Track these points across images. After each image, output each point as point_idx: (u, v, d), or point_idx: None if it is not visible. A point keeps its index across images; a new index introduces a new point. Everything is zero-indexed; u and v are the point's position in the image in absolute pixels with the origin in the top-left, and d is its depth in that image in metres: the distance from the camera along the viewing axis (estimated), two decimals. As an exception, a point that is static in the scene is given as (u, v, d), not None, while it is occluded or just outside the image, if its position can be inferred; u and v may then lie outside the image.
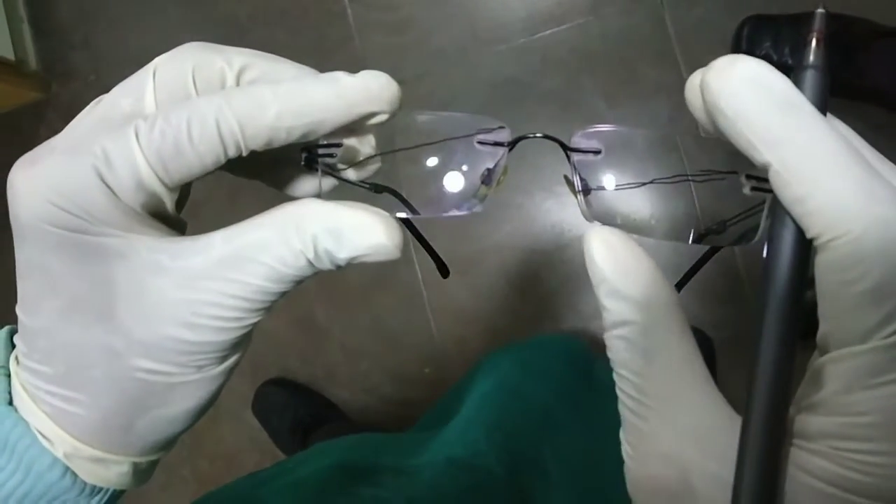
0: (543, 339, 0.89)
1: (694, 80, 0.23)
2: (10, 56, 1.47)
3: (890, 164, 0.23)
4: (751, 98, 0.21)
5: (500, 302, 1.36)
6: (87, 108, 0.26)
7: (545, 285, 1.33)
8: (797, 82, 0.22)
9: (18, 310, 0.27)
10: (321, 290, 1.40)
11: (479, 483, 0.58)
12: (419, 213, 0.28)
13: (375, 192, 0.29)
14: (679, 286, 0.26)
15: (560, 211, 1.32)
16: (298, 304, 1.41)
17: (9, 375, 0.28)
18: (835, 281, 0.21)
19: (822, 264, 0.21)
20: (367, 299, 1.40)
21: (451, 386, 0.93)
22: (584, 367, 0.78)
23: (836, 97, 0.99)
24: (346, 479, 0.57)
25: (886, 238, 0.20)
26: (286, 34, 1.44)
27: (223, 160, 0.25)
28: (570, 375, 0.76)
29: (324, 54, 1.42)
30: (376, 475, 0.58)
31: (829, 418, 0.22)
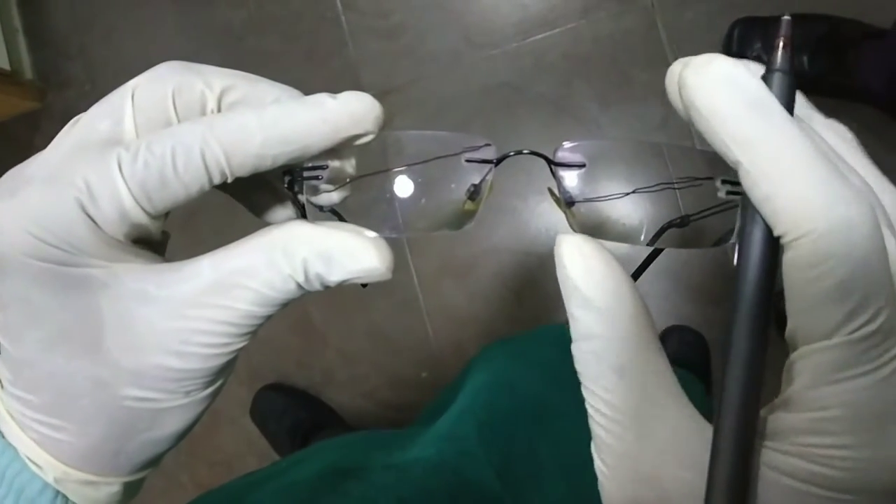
0: (537, 330, 0.88)
1: (674, 70, 0.23)
2: (6, 66, 1.47)
3: (854, 164, 0.24)
4: (724, 97, 0.22)
5: (496, 304, 1.36)
6: (65, 129, 0.26)
7: (541, 287, 1.33)
8: (766, 85, 0.23)
9: (1, 336, 0.27)
10: (317, 294, 1.40)
11: (468, 485, 0.58)
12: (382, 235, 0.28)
13: (320, 210, 0.29)
14: (634, 277, 0.26)
15: (554, 214, 1.33)
16: (295, 308, 1.41)
17: None
18: (800, 278, 0.21)
19: (789, 262, 0.21)
20: (363, 303, 1.40)
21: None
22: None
23: (826, 97, 1.00)
24: (337, 480, 0.57)
25: (849, 237, 0.20)
26: (280, 41, 1.44)
27: (208, 188, 0.25)
28: (565, 362, 0.76)
29: (318, 61, 1.42)
30: (366, 472, 0.58)
31: (797, 414, 0.22)
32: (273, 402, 1.40)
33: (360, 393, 1.42)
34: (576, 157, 0.27)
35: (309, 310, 1.42)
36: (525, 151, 0.28)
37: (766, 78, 0.23)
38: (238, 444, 1.45)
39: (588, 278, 0.24)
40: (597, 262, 0.24)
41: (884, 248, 0.21)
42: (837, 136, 0.25)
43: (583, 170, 0.27)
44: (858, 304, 0.20)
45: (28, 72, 1.53)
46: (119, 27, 1.52)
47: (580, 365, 0.24)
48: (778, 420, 0.23)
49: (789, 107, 0.23)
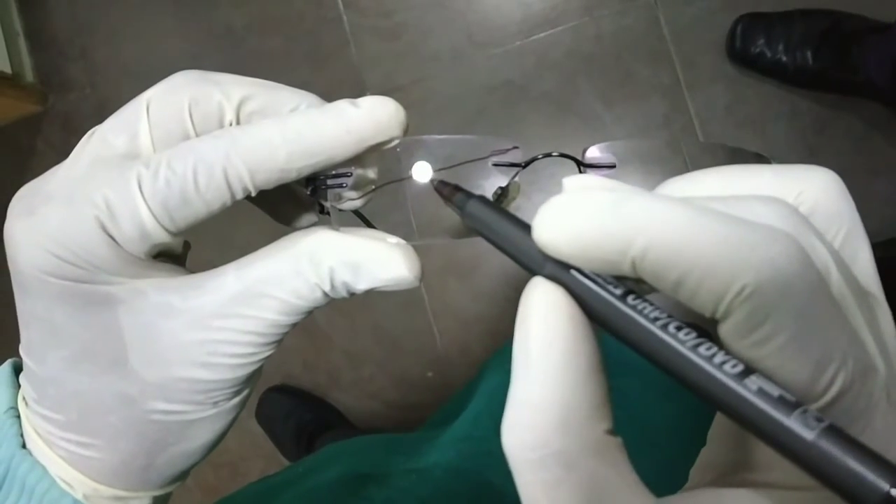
0: None
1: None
2: (7, 69, 1.47)
3: (744, 187, 0.21)
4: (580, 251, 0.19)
5: (500, 304, 1.36)
6: (81, 142, 0.25)
7: (545, 286, 1.33)
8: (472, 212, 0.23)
9: (23, 354, 0.26)
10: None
11: (489, 487, 0.58)
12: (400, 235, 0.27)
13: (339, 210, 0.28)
14: None
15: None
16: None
17: (18, 416, 0.27)
18: (747, 345, 0.18)
19: (728, 334, 0.18)
20: (368, 304, 1.40)
21: (454, 388, 0.93)
22: None
23: (830, 93, 1.00)
24: (357, 485, 0.57)
25: (783, 279, 0.17)
26: (282, 42, 1.44)
27: (230, 204, 0.25)
28: None
29: (320, 61, 1.42)
30: (387, 477, 0.58)
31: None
32: (278, 403, 1.40)
33: (365, 394, 1.42)
34: (606, 158, 0.27)
35: (314, 311, 1.41)
36: (555, 154, 0.28)
37: (469, 206, 0.23)
38: (243, 446, 1.45)
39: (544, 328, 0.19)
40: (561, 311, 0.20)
41: (819, 278, 0.18)
42: (717, 176, 0.22)
43: (612, 170, 0.27)
44: (823, 352, 0.17)
45: (29, 75, 1.53)
46: (120, 29, 1.52)
47: (513, 448, 0.19)
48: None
49: (491, 218, 0.22)
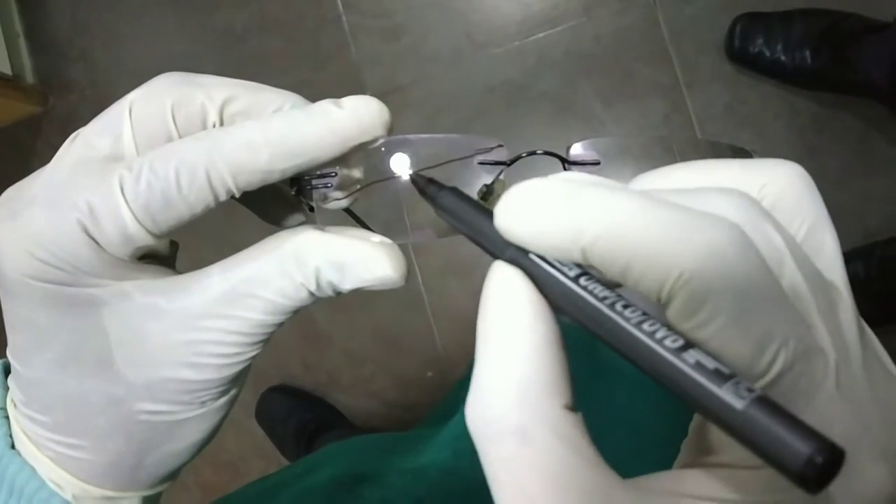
0: None
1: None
2: (7, 70, 1.47)
3: (708, 180, 0.22)
4: (539, 238, 0.20)
5: (500, 304, 1.36)
6: (65, 145, 0.25)
7: (545, 286, 1.33)
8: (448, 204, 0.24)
9: (10, 356, 0.27)
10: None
11: (484, 487, 0.58)
12: (393, 236, 0.27)
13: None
14: None
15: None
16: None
17: (7, 417, 0.28)
18: (691, 328, 0.18)
19: (673, 317, 0.18)
20: (367, 304, 1.40)
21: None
22: (587, 352, 0.78)
23: (829, 92, 1.00)
24: (353, 485, 0.57)
25: (722, 264, 0.17)
26: (282, 42, 1.44)
27: (214, 205, 0.25)
28: (576, 358, 0.75)
29: (320, 61, 1.42)
30: (382, 477, 0.58)
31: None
32: (278, 403, 1.40)
33: (365, 393, 1.42)
34: (590, 155, 0.27)
35: (313, 311, 1.42)
36: (539, 152, 0.28)
37: (440, 197, 0.24)
38: (243, 445, 1.45)
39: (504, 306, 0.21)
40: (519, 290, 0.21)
41: (761, 262, 0.18)
42: (686, 171, 0.23)
43: (597, 167, 0.27)
44: (764, 333, 0.18)
45: (30, 76, 1.53)
46: (120, 30, 1.52)
47: (473, 425, 0.20)
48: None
49: (462, 209, 0.24)
